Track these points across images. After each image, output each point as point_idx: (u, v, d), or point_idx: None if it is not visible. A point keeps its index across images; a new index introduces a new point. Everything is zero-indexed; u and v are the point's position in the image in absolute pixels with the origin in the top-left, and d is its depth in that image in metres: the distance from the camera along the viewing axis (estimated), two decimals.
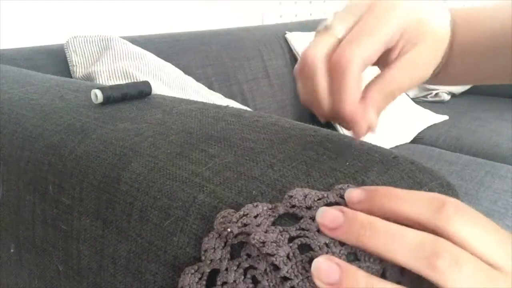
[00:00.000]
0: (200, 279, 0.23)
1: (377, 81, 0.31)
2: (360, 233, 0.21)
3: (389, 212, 0.22)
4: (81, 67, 0.96)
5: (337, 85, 0.29)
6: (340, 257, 0.22)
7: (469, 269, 0.19)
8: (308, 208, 0.24)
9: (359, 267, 0.21)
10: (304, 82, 0.32)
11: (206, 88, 1.15)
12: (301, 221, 0.23)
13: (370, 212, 0.22)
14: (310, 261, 0.22)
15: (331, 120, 0.32)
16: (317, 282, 0.21)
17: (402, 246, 0.20)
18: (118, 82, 0.91)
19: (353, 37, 0.29)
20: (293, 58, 1.53)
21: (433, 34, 0.32)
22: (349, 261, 0.22)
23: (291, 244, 0.22)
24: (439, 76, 0.43)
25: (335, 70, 0.29)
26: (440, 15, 0.34)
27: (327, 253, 0.22)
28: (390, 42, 0.30)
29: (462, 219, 0.21)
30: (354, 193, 0.23)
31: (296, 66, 0.32)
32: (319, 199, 0.25)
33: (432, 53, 0.33)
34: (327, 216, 0.22)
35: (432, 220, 0.21)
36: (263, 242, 0.22)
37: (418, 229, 0.21)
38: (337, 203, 0.25)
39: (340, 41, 0.30)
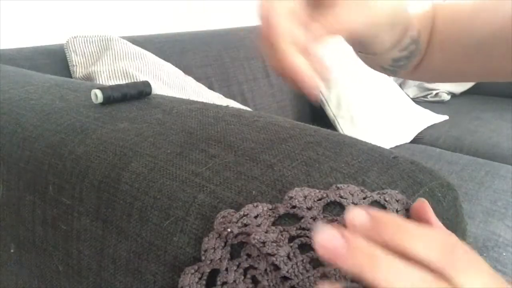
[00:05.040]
0: (200, 279, 0.23)
1: (319, 18, 0.27)
2: (363, 263, 0.19)
3: (396, 246, 0.20)
4: (81, 67, 0.96)
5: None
6: None
7: None
8: (309, 209, 0.24)
9: None
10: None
11: (206, 88, 1.15)
12: (302, 220, 0.23)
13: (371, 240, 0.20)
14: (311, 261, 0.22)
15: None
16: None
17: (404, 285, 0.19)
18: (118, 82, 0.91)
19: None
20: None
21: None
22: None
23: (291, 244, 0.22)
24: (418, 69, 0.43)
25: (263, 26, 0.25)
26: None
27: None
28: None
29: (469, 270, 0.20)
30: (357, 217, 0.21)
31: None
32: (319, 199, 0.25)
33: None
34: (326, 238, 0.19)
35: (439, 265, 0.20)
36: (263, 242, 0.22)
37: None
38: (337, 203, 0.25)
39: None
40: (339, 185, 0.26)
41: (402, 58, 0.39)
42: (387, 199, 0.26)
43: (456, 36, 0.40)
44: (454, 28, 0.40)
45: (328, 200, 0.25)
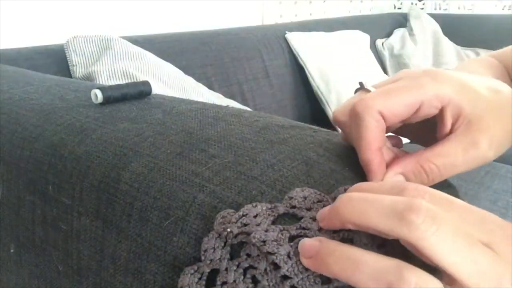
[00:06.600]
0: (199, 279, 0.23)
1: (418, 152, 0.28)
2: (335, 206, 0.22)
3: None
4: (81, 67, 0.96)
5: (355, 132, 0.28)
6: None
7: (447, 230, 0.18)
8: (308, 209, 0.24)
9: None
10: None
11: (206, 88, 1.15)
12: (302, 220, 0.23)
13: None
14: None
15: None
16: (302, 260, 0.21)
17: (376, 208, 0.20)
18: (118, 82, 0.91)
19: (378, 90, 0.29)
20: (293, 58, 1.53)
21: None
22: None
23: (291, 243, 0.22)
24: None
25: (353, 117, 0.28)
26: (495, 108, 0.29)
27: None
28: (421, 110, 0.28)
29: (429, 201, 0.20)
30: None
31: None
32: (319, 201, 0.25)
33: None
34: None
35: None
36: (264, 241, 0.22)
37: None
38: None
39: None
40: (340, 187, 0.26)
41: None
42: None
43: None
44: None
45: (327, 204, 0.25)
